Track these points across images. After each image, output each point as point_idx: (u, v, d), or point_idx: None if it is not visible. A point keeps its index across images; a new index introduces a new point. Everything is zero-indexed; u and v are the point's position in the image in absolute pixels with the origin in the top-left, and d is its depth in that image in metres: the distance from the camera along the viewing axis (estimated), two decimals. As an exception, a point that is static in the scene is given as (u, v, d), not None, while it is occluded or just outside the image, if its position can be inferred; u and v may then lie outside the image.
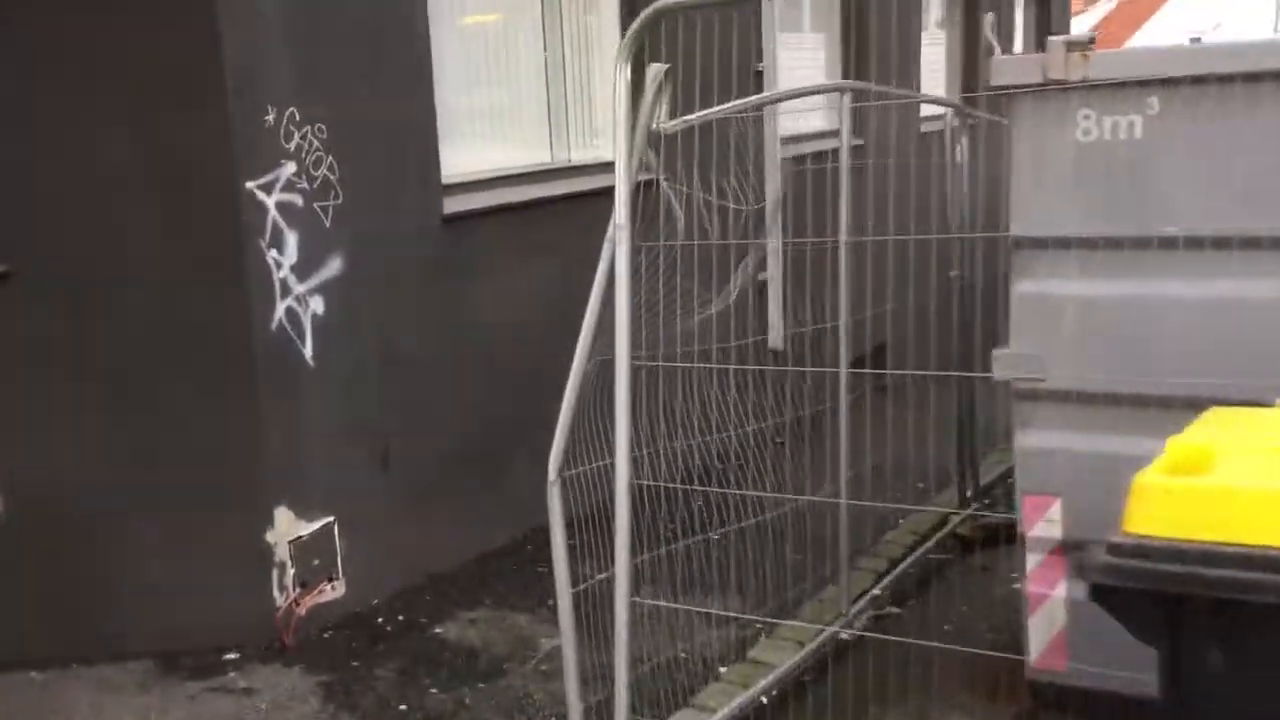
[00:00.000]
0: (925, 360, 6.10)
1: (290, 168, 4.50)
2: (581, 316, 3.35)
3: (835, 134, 9.34)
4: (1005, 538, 4.89)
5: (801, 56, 8.80)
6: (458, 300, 5.36)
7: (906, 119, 10.15)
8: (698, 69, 6.30)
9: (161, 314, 4.49)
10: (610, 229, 3.26)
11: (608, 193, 6.69)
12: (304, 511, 4.65)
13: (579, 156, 6.47)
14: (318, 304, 4.66)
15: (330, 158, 4.67)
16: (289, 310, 4.53)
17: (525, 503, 5.83)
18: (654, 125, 3.23)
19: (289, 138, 4.48)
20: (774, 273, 7.86)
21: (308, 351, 4.62)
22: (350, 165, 4.76)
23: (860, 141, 9.26)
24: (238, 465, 4.50)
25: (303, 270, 4.58)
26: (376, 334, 4.95)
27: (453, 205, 5.29)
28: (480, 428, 5.54)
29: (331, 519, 4.77)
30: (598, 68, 6.54)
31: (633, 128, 3.17)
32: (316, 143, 4.60)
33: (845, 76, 9.25)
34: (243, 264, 4.35)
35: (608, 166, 6.71)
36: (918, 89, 10.59)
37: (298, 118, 4.52)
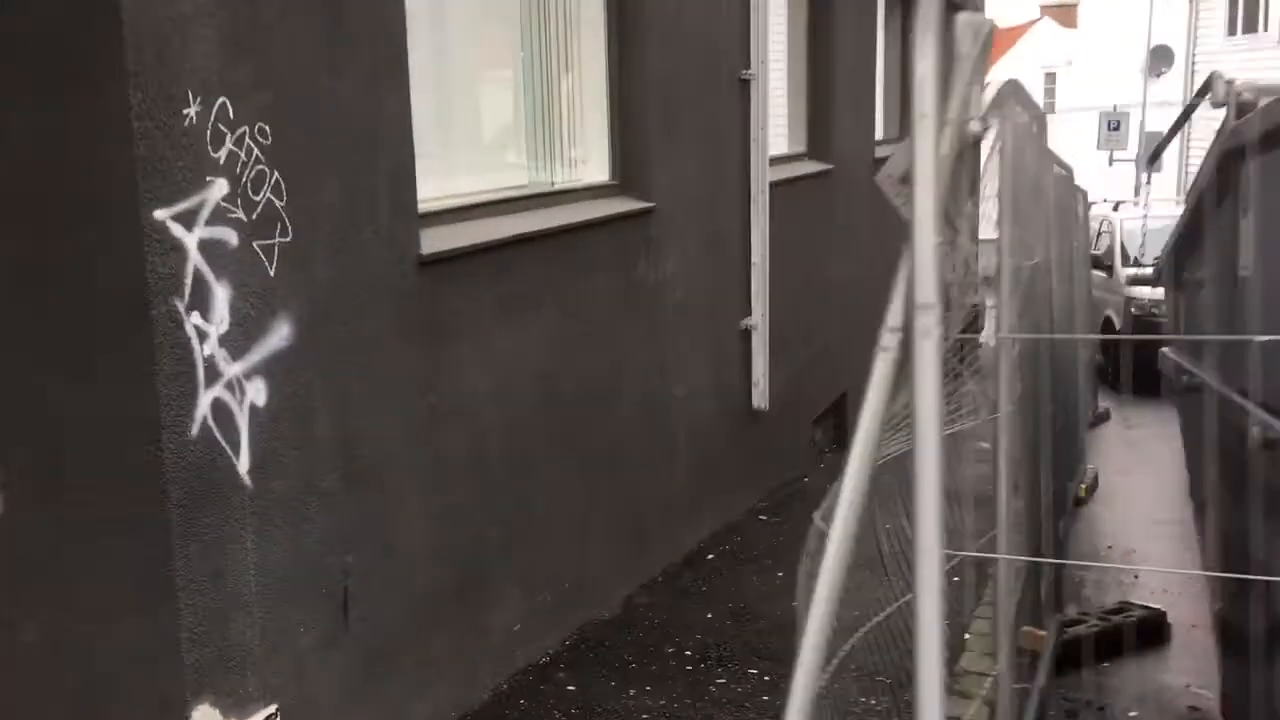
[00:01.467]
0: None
1: (220, 188, 2.93)
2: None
3: (801, 156, 8.20)
4: None
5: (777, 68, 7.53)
6: (436, 375, 3.84)
7: (861, 146, 9.02)
8: (678, 76, 4.94)
9: (23, 414, 2.86)
10: (898, 308, 1.85)
11: (603, 226, 5.10)
12: (235, 705, 3.06)
13: (563, 179, 5.02)
14: (257, 392, 3.08)
15: (276, 174, 3.11)
16: (217, 404, 2.94)
17: (511, 641, 4.35)
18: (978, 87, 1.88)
19: (218, 143, 2.91)
20: (758, 320, 6.53)
21: (242, 465, 3.04)
22: (303, 185, 3.20)
23: (829, 166, 8.06)
24: (137, 647, 2.90)
25: (237, 343, 3.01)
26: (336, 431, 3.39)
27: (432, 242, 3.77)
28: (461, 548, 4.02)
29: (274, 710, 3.18)
30: (579, 70, 5.11)
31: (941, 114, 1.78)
32: (257, 151, 3.03)
33: (811, 97, 8.04)
34: (147, 336, 2.75)
35: (597, 191, 5.50)
36: (871, 113, 9.49)
37: (231, 114, 2.95)
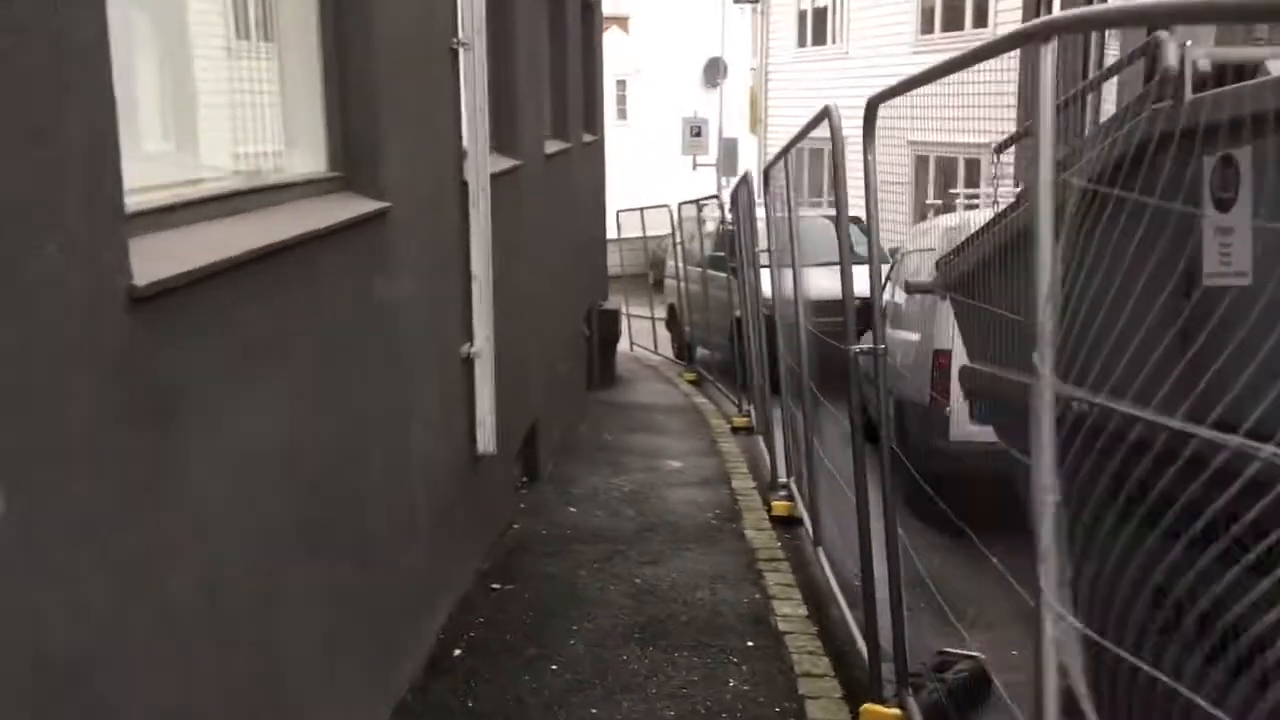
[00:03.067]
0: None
1: None
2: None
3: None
4: None
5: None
6: (155, 490, 2.32)
7: (537, 143, 7.96)
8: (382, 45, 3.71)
9: None
10: None
11: (337, 235, 3.77)
12: None
13: (272, 169, 3.53)
14: None
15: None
16: None
17: None
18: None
19: None
20: (481, 345, 5.30)
21: None
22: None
23: (517, 162, 6.94)
24: None
25: None
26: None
27: (147, 263, 2.24)
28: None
29: None
30: (285, 24, 3.64)
31: None
32: None
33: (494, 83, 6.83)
34: None
35: (319, 186, 3.75)
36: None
37: None
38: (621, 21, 35.22)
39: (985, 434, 6.83)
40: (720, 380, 12.62)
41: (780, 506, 7.21)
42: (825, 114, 4.45)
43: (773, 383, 8.28)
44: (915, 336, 7.56)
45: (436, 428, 4.73)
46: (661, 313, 16.84)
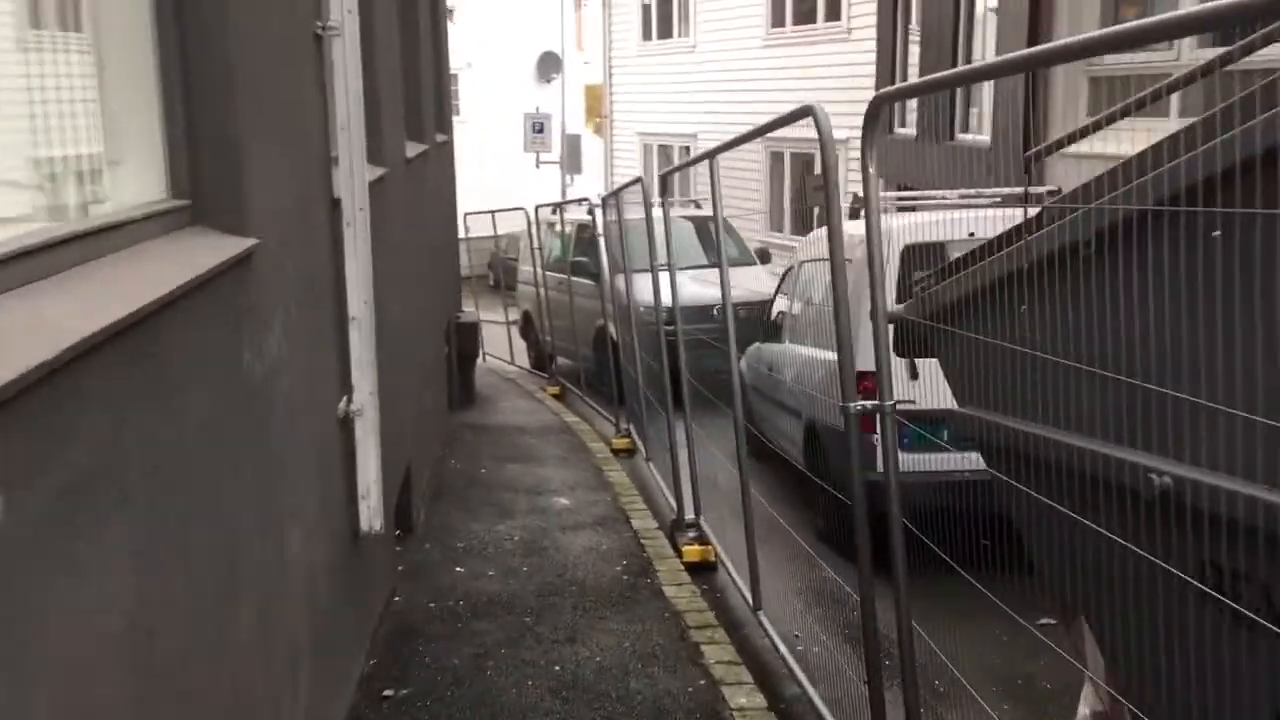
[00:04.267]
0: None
1: None
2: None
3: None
4: None
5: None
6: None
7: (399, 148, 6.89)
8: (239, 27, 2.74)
9: None
10: None
11: (191, 296, 2.81)
12: None
13: (93, 201, 2.46)
14: None
15: None
16: None
17: None
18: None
19: None
20: (364, 401, 4.30)
21: None
22: None
23: (385, 170, 5.90)
24: None
25: None
26: None
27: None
28: None
29: None
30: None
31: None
32: None
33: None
34: None
35: (160, 223, 2.42)
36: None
37: None
38: (448, 14, 33.83)
39: (919, 463, 6.19)
40: (590, 395, 11.73)
41: (693, 552, 6.39)
42: (808, 113, 3.62)
43: (675, 401, 7.42)
44: (828, 355, 6.84)
45: (315, 522, 3.69)
46: (514, 316, 15.83)
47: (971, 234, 6.73)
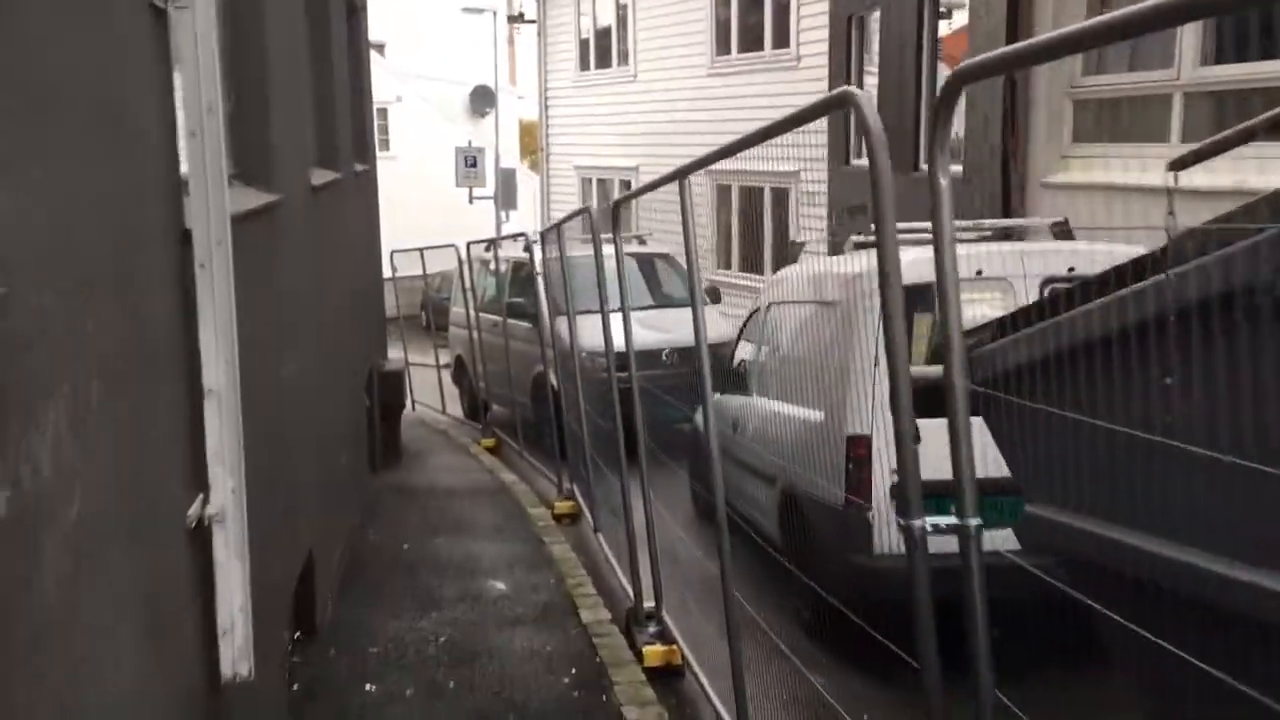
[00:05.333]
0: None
1: None
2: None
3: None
4: None
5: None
6: None
7: (299, 169, 5.77)
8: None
9: None
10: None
11: None
12: None
13: None
14: None
15: None
16: None
17: None
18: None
19: None
20: (223, 501, 3.15)
21: None
22: None
23: (275, 197, 4.80)
24: None
25: None
26: None
27: None
28: None
29: None
30: None
31: None
32: None
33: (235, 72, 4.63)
34: None
35: None
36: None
37: None
38: (377, 47, 32.70)
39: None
40: (528, 449, 10.60)
41: (655, 654, 5.29)
42: (846, 101, 2.57)
43: (622, 455, 6.30)
44: (810, 414, 5.79)
45: (144, 681, 2.54)
46: (445, 359, 14.65)
47: (979, 272, 5.80)
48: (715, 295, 12.22)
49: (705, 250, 14.96)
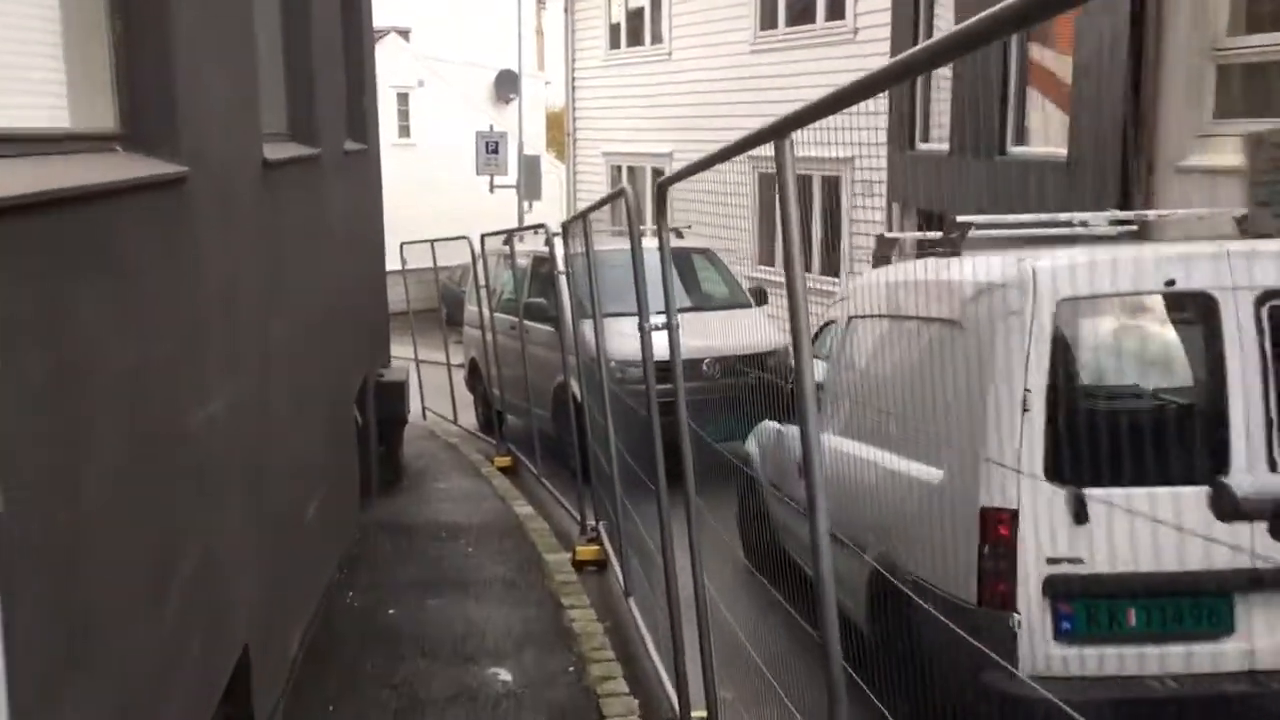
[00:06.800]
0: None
1: None
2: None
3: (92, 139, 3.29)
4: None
5: None
6: None
7: (240, 138, 4.31)
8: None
9: None
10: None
11: None
12: None
13: None
14: None
15: None
16: None
17: None
18: None
19: None
20: None
21: None
22: None
23: (180, 169, 3.30)
24: None
25: None
26: None
27: None
28: None
29: None
30: None
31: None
32: None
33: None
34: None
35: None
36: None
37: None
38: (403, 32, 31.28)
39: (1097, 662, 3.70)
40: (546, 472, 9.12)
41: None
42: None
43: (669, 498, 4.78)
44: (927, 471, 4.28)
45: None
46: (457, 358, 13.19)
47: (1171, 282, 4.28)
48: (761, 296, 10.70)
49: (746, 245, 13.45)
